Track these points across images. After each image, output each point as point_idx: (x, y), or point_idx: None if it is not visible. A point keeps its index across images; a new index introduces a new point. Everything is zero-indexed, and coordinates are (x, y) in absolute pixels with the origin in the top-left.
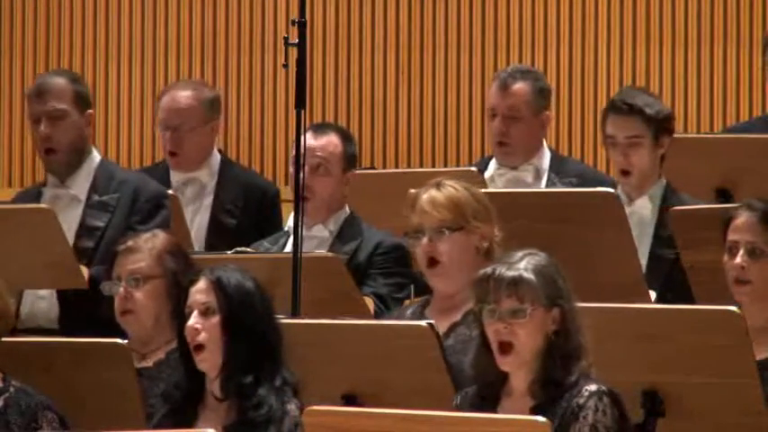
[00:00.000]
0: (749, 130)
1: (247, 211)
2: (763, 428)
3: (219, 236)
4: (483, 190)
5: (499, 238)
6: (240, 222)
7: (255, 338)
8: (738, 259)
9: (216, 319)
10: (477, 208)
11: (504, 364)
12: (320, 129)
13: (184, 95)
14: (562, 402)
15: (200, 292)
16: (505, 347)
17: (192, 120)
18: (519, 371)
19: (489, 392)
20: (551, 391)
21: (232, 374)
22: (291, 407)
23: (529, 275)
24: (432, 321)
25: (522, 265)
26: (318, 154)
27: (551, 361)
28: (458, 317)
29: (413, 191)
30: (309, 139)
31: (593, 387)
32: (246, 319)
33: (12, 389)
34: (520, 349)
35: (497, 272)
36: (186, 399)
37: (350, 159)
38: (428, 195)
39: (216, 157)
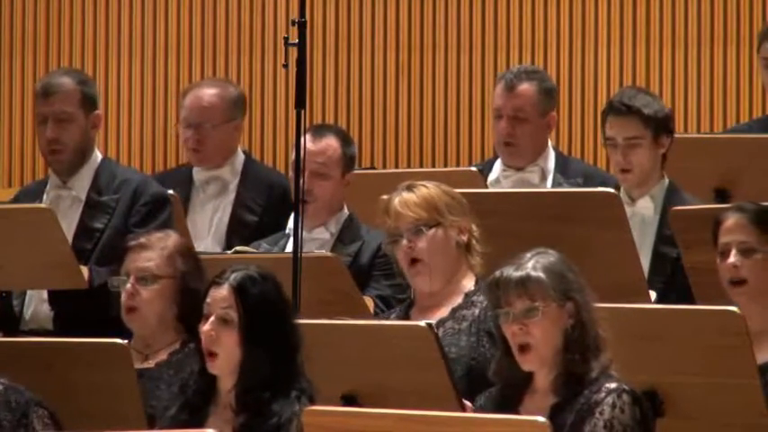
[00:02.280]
0: (749, 131)
1: (269, 209)
2: (763, 429)
3: (240, 233)
4: (487, 190)
5: (477, 232)
6: (261, 220)
7: (274, 349)
8: (732, 259)
9: (234, 331)
10: (451, 203)
11: (526, 362)
12: (318, 132)
13: (208, 93)
14: (581, 399)
15: (221, 298)
16: (524, 348)
17: (215, 118)
18: (541, 369)
19: (512, 393)
20: (573, 386)
21: (249, 389)
22: (298, 409)
23: (536, 273)
24: (431, 321)
25: (530, 264)
26: (318, 160)
27: (571, 355)
28: (445, 313)
29: (384, 196)
30: (308, 144)
31: (612, 385)
32: (266, 331)
33: (0, 387)
34: (539, 348)
35: (505, 274)
36: (199, 396)
37: (349, 161)
38: (400, 198)
39: (240, 157)
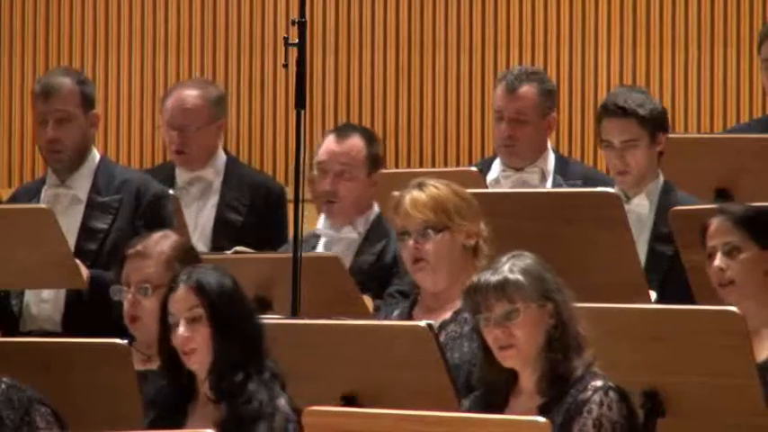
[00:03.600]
0: (749, 131)
1: (253, 208)
2: (763, 429)
3: (225, 233)
4: (487, 190)
5: (486, 234)
6: (246, 220)
7: (242, 335)
8: (717, 261)
9: (204, 324)
10: (461, 205)
11: (507, 359)
12: (343, 133)
13: (191, 95)
14: (567, 398)
15: (182, 300)
16: (506, 348)
17: (199, 119)
18: (525, 369)
19: (497, 396)
20: (558, 386)
21: (223, 375)
22: (281, 402)
23: (514, 276)
24: (431, 322)
25: (507, 267)
26: (342, 160)
27: (554, 355)
28: (447, 315)
29: (396, 193)
30: (332, 145)
31: (598, 383)
32: (232, 318)
33: (3, 385)
34: (521, 348)
35: (483, 279)
36: (174, 401)
37: (374, 160)
38: (410, 197)
39: (221, 156)
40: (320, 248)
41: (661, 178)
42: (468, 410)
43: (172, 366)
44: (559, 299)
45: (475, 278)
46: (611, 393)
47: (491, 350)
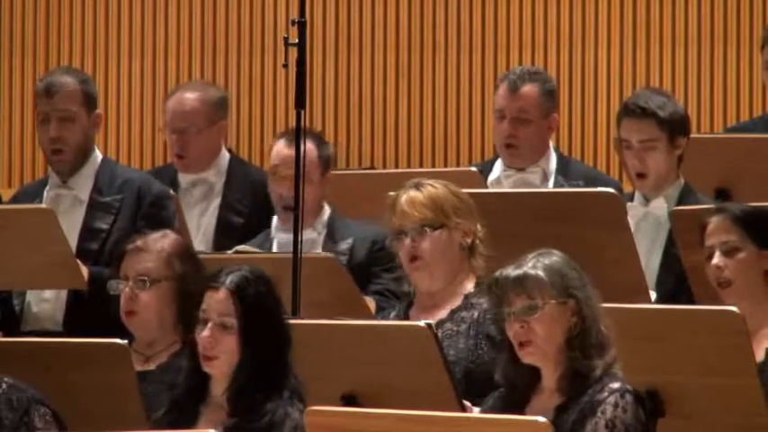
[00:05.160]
0: (750, 129)
1: (255, 209)
2: (763, 429)
3: (227, 235)
4: (487, 191)
5: (482, 234)
6: (248, 221)
7: (268, 350)
8: (715, 260)
9: (233, 336)
10: (457, 205)
11: (526, 355)
12: (291, 137)
13: (190, 98)
14: (584, 398)
15: (219, 302)
16: (525, 344)
17: (198, 122)
18: (546, 366)
19: (519, 394)
20: (578, 384)
21: (244, 391)
22: (292, 409)
23: (534, 272)
24: (430, 321)
25: (530, 264)
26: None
27: (574, 352)
28: (443, 314)
29: (392, 193)
30: (283, 150)
31: (616, 385)
32: (262, 333)
33: (4, 385)
34: (541, 344)
35: (504, 274)
36: (189, 395)
37: (326, 162)
38: (407, 196)
39: (224, 157)
40: (275, 250)
41: (681, 181)
42: (490, 408)
43: (195, 357)
44: (582, 296)
45: (497, 273)
46: (628, 396)
47: (514, 348)
